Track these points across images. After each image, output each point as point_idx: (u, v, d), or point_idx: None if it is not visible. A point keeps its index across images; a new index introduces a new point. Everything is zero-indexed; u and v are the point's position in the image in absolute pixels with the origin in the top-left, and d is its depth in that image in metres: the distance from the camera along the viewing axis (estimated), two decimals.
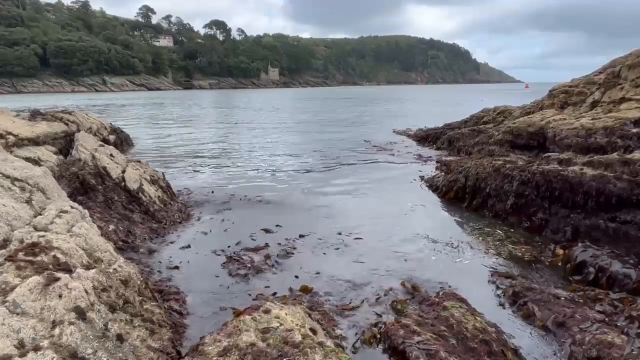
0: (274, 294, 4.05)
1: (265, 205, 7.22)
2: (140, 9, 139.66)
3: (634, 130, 6.10)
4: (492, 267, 4.70)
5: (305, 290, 4.12)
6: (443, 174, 8.53)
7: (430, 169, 9.99)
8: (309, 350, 2.46)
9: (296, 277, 4.46)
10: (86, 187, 5.89)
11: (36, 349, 1.96)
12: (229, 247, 5.17)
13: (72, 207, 3.47)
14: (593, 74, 9.53)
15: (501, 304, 3.92)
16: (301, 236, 5.59)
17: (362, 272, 4.57)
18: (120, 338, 2.46)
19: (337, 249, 5.25)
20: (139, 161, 7.66)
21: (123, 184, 6.29)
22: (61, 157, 6.89)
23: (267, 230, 5.81)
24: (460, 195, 7.20)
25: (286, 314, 2.91)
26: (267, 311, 2.90)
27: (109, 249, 3.26)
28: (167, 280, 4.31)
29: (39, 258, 2.54)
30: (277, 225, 6.01)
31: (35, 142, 6.91)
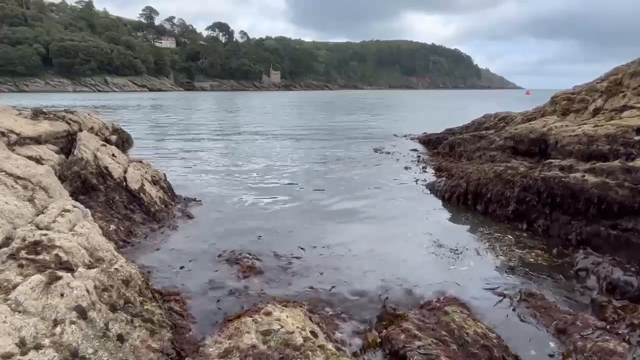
0: (275, 296, 4.04)
1: (268, 208, 7.22)
2: (143, 10, 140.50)
3: (636, 138, 6.10)
4: (492, 273, 4.70)
5: (307, 293, 4.10)
6: (444, 178, 8.53)
7: (431, 174, 9.99)
8: (310, 353, 2.46)
9: (298, 279, 4.45)
10: (88, 186, 5.88)
11: (37, 347, 1.96)
12: (230, 249, 5.16)
13: (74, 206, 3.47)
14: (595, 81, 9.52)
15: (502, 310, 3.91)
16: (303, 244, 5.58)
17: (365, 275, 4.56)
18: (120, 338, 2.45)
19: (339, 253, 5.24)
20: (141, 161, 7.66)
21: (124, 184, 6.29)
22: (63, 156, 6.89)
23: (269, 234, 5.80)
24: (461, 200, 7.20)
25: (287, 316, 2.91)
26: (268, 313, 2.89)
27: (111, 249, 3.25)
28: (168, 281, 4.30)
29: (41, 256, 2.53)
30: (279, 229, 6.00)
31: (37, 140, 6.92)
